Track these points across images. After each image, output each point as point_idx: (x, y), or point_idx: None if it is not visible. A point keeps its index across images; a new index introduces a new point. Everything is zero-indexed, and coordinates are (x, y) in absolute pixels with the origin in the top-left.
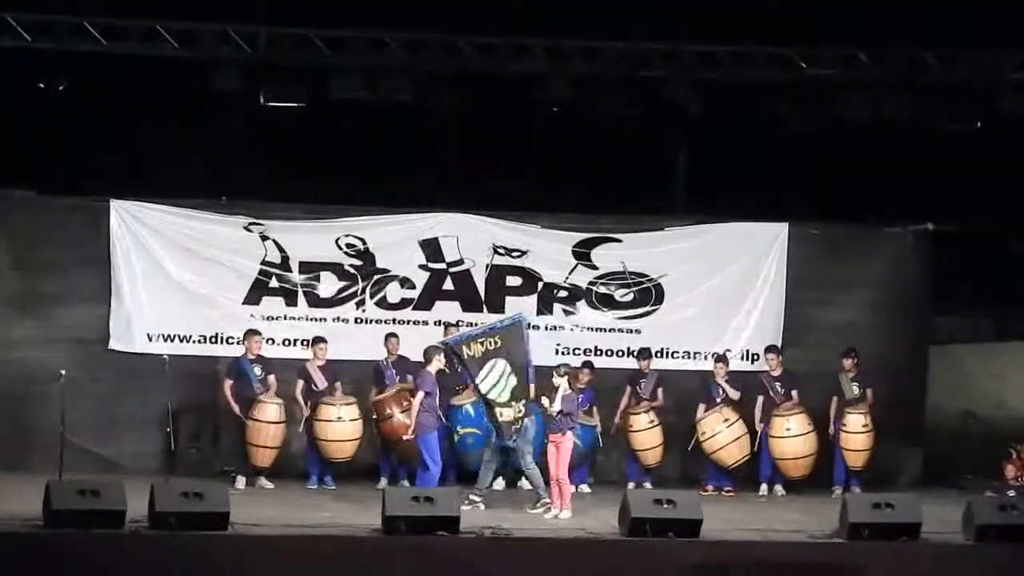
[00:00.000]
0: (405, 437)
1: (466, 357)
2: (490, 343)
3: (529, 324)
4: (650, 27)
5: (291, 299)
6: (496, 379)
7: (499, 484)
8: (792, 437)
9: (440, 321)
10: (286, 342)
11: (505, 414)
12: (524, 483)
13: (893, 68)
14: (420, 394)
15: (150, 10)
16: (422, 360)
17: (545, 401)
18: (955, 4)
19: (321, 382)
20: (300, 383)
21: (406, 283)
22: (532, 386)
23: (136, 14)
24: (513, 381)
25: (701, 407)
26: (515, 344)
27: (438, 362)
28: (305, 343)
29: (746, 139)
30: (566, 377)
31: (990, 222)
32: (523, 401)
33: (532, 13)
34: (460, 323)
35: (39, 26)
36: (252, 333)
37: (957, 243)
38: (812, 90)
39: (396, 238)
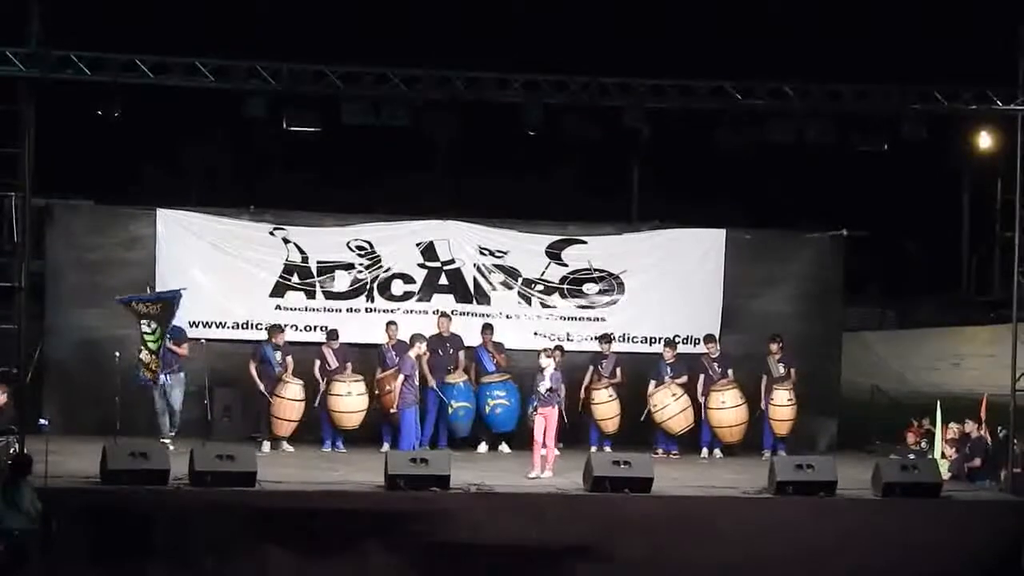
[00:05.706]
0: (391, 411)
1: (140, 312)
2: (154, 308)
3: (179, 299)
4: (609, 64)
5: (310, 293)
6: (152, 330)
7: (482, 448)
8: (727, 409)
9: (437, 310)
10: (307, 328)
11: (144, 357)
12: (504, 447)
13: (814, 99)
14: (401, 376)
15: (190, 49)
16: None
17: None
18: (866, 46)
19: (333, 362)
20: (317, 363)
21: (407, 279)
22: (183, 346)
23: (178, 52)
24: (160, 341)
25: (651, 383)
26: (169, 313)
27: (418, 348)
28: (323, 329)
29: (690, 159)
30: (553, 358)
31: (894, 229)
32: (159, 354)
33: (511, 52)
34: (454, 312)
35: (97, 62)
36: (277, 328)
37: (867, 246)
38: (745, 118)
39: (398, 241)
